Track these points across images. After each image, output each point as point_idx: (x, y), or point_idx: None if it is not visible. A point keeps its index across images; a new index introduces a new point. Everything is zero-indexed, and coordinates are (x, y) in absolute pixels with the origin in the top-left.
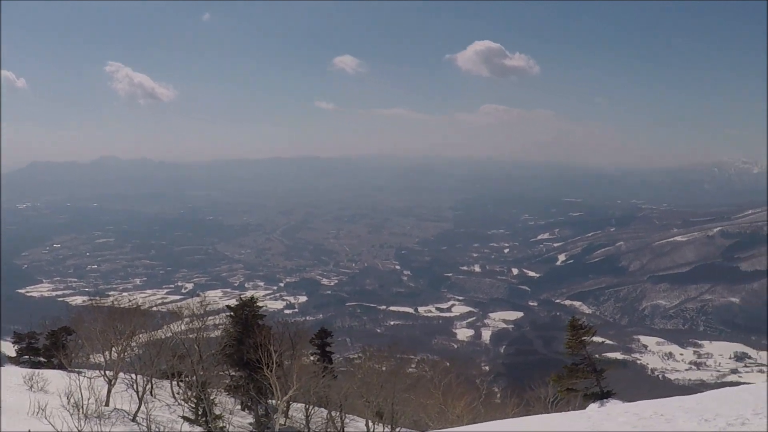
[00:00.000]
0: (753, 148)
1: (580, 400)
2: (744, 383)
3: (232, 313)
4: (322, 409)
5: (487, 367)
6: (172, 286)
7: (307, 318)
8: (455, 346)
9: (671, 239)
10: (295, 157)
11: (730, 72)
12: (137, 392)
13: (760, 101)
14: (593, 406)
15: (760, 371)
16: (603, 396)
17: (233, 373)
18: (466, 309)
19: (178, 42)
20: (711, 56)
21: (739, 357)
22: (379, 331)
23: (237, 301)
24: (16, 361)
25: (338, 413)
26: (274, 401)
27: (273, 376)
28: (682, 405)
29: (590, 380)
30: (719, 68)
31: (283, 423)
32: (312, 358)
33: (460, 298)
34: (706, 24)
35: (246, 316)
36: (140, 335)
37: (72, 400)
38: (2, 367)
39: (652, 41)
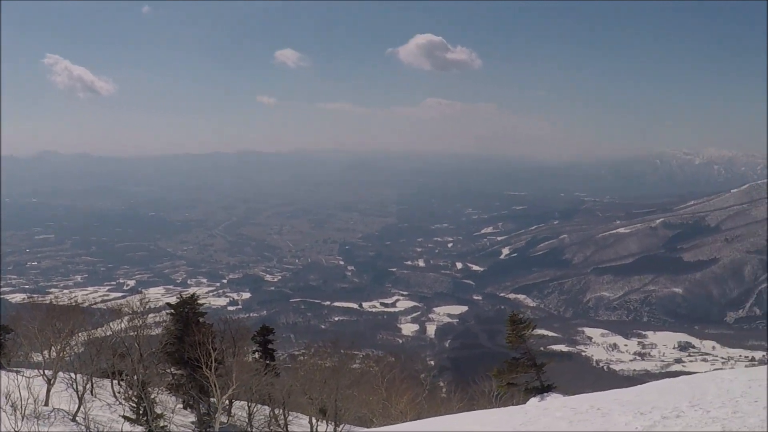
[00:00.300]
0: (695, 139)
1: (522, 394)
2: (688, 372)
3: (172, 311)
4: (266, 407)
5: (432, 362)
6: (114, 283)
7: (251, 315)
8: (400, 341)
9: (614, 231)
10: (237, 152)
11: (670, 64)
12: (77, 392)
13: (701, 93)
14: (534, 401)
15: (704, 360)
16: (543, 390)
17: (174, 372)
18: (411, 304)
19: (118, 35)
20: (652, 48)
21: (683, 346)
22: (323, 327)
23: (177, 298)
24: None
25: (281, 411)
26: (215, 400)
27: (212, 374)
28: (619, 398)
29: (531, 374)
30: (660, 61)
31: (225, 421)
32: (254, 355)
33: (405, 292)
34: (647, 15)
35: (186, 313)
36: (80, 333)
37: (9, 401)
38: None
39: (592, 33)
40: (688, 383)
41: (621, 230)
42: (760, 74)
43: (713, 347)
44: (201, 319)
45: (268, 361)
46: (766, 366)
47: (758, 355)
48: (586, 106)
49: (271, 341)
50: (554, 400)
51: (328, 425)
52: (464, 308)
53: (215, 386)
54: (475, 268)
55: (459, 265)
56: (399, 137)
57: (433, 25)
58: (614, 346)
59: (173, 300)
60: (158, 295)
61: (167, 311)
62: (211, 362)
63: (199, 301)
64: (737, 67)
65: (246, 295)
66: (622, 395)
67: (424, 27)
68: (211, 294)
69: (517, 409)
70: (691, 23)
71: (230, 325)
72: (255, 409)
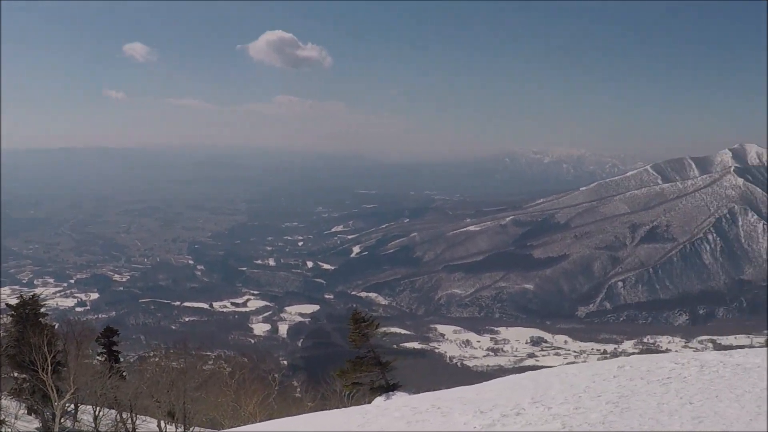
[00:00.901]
0: (544, 138)
1: (369, 393)
2: (541, 366)
3: (12, 312)
4: (113, 410)
5: (285, 362)
6: None
7: (100, 315)
8: (252, 341)
9: (465, 229)
10: (86, 147)
11: (521, 63)
12: None
13: (550, 93)
14: (379, 400)
15: (557, 354)
16: (389, 389)
17: (16, 376)
18: (262, 303)
19: None
20: (502, 47)
21: (536, 341)
22: (174, 327)
23: (18, 298)
24: None
25: (129, 414)
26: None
27: (49, 378)
28: (462, 396)
29: (376, 373)
30: (510, 59)
31: (70, 426)
32: (99, 358)
33: (256, 292)
34: (497, 13)
35: (27, 314)
36: None
37: None
38: None
39: (442, 32)
40: (533, 379)
41: (471, 228)
42: (606, 75)
43: (565, 341)
44: (42, 321)
45: (112, 364)
46: (613, 359)
47: (609, 348)
48: (436, 106)
49: (115, 343)
50: (399, 398)
51: (177, 428)
52: (316, 307)
53: (52, 390)
54: (326, 266)
55: (310, 264)
56: (251, 134)
57: (284, 21)
58: (467, 343)
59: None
60: (5, 296)
61: (8, 312)
62: (47, 365)
63: (41, 302)
64: (584, 68)
65: (94, 296)
66: (466, 393)
67: (274, 23)
68: (58, 294)
69: (357, 410)
70: (540, 21)
71: (74, 327)
72: (101, 414)
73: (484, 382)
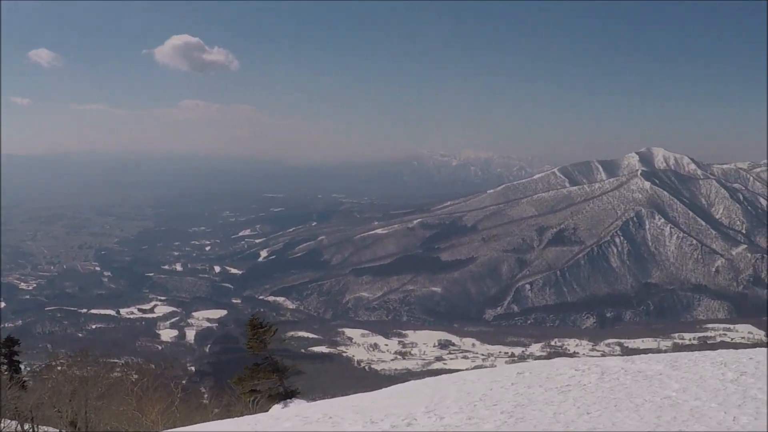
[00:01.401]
0: (452, 141)
1: (267, 401)
2: (449, 370)
3: None
4: (14, 422)
5: (192, 368)
6: None
7: (6, 325)
8: (160, 348)
9: (372, 232)
10: None
11: (428, 66)
12: None
13: (457, 95)
14: (276, 408)
15: (465, 357)
16: (287, 396)
17: None
18: (169, 309)
19: None
20: (409, 51)
21: (444, 344)
22: (81, 335)
23: None
24: None
25: (30, 425)
26: None
27: None
28: (357, 404)
29: (274, 380)
30: (418, 63)
31: None
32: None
33: (163, 298)
34: (402, 16)
35: None
36: None
37: None
38: None
39: (349, 35)
40: (430, 386)
41: (379, 231)
42: (513, 77)
43: (473, 344)
44: None
45: (13, 374)
46: (513, 365)
47: (517, 351)
48: (344, 108)
49: (17, 353)
50: (296, 406)
51: None
52: (223, 312)
53: None
54: (234, 271)
55: (217, 269)
56: (158, 139)
57: (190, 25)
58: (375, 346)
59: None
60: None
61: None
62: None
63: None
64: (490, 70)
65: (0, 305)
66: (362, 401)
67: (180, 28)
68: None
69: (249, 419)
70: (445, 22)
71: None
72: (2, 425)
73: (382, 389)
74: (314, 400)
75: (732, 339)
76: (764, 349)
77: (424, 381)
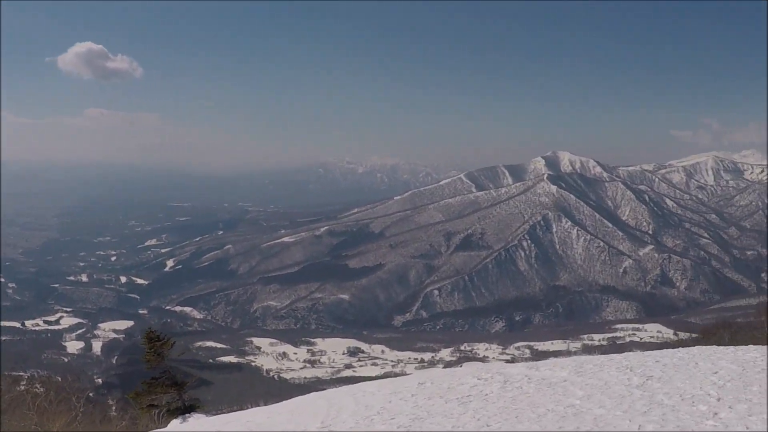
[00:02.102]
0: (358, 148)
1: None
2: (359, 377)
3: None
4: None
5: (100, 380)
6: None
7: None
8: (66, 360)
9: (279, 240)
10: None
11: (334, 74)
12: None
13: (363, 102)
14: (175, 423)
15: (374, 364)
16: (186, 410)
17: None
18: (76, 320)
19: None
20: (309, 56)
21: (353, 352)
22: None
23: None
24: None
25: None
26: None
27: None
28: (252, 420)
29: (173, 394)
30: (322, 70)
31: None
32: None
33: (69, 309)
34: (300, 24)
35: None
36: None
37: None
38: None
39: (251, 43)
40: (328, 399)
41: (286, 239)
42: (417, 82)
43: (382, 351)
44: None
45: None
46: (414, 375)
47: (427, 356)
48: (249, 116)
49: None
50: (195, 421)
51: None
52: (130, 323)
53: None
54: (140, 281)
55: (123, 279)
56: (62, 148)
57: (94, 32)
58: (284, 355)
59: None
60: None
61: None
62: None
63: None
64: (394, 76)
65: None
66: (257, 416)
67: (84, 35)
68: None
69: None
70: (346, 31)
71: None
72: None
73: (280, 403)
74: (218, 412)
75: (641, 339)
76: (672, 350)
77: (323, 393)
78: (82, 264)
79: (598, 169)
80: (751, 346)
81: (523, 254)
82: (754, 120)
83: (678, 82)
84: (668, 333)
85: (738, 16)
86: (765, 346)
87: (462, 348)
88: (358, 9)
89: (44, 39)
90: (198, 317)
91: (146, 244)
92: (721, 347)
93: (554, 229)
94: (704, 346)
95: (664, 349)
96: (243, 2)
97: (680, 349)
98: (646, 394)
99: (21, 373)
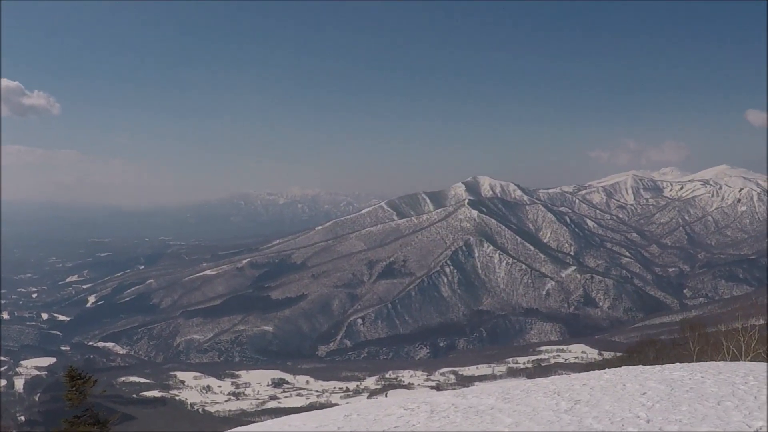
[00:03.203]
0: (278, 180)
1: None
2: (284, 409)
3: None
4: None
5: (23, 417)
6: None
7: None
8: None
9: (201, 273)
10: None
11: (246, 103)
12: None
13: (282, 133)
14: None
15: (299, 395)
16: None
17: None
18: None
19: None
20: (226, 87)
21: (277, 383)
22: None
23: None
24: None
25: None
26: None
27: None
28: None
29: None
30: (236, 100)
31: None
32: None
33: None
34: (216, 52)
35: None
36: None
37: None
38: None
39: (167, 75)
40: None
41: (208, 272)
42: (334, 112)
43: (307, 381)
44: None
45: None
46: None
47: (352, 385)
48: (167, 150)
49: None
50: None
51: None
52: (53, 360)
53: None
54: (62, 317)
55: (45, 316)
56: None
57: (8, 68)
58: (208, 388)
59: None
60: None
61: None
62: None
63: None
64: (314, 106)
65: None
66: None
67: None
68: None
69: None
70: (262, 58)
71: None
72: None
73: None
74: None
75: (566, 360)
76: (598, 372)
77: (247, 429)
78: (3, 301)
79: (519, 192)
80: (677, 364)
81: (446, 280)
82: (669, 138)
83: (593, 102)
84: (593, 353)
85: (651, 38)
86: (691, 363)
87: (387, 376)
88: (274, 37)
89: None
90: (121, 352)
91: (67, 280)
92: (648, 366)
93: (476, 254)
94: (631, 366)
95: (590, 371)
96: (158, 32)
97: (607, 370)
98: (575, 419)
99: None
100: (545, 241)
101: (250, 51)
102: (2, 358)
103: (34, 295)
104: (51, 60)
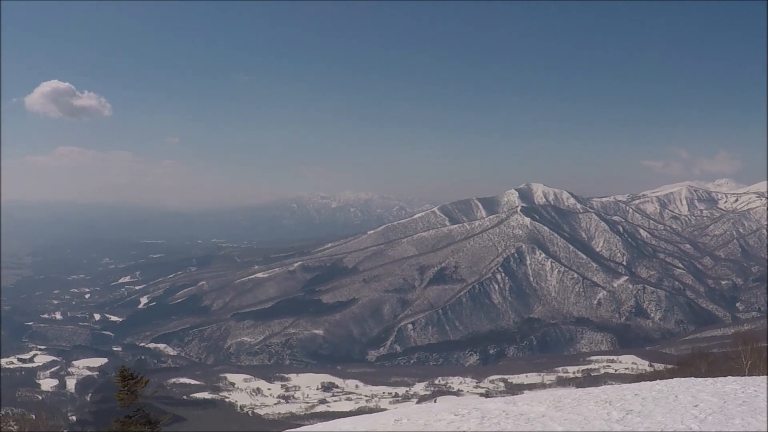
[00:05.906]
0: (331, 183)
1: None
2: (334, 412)
3: None
4: None
5: (74, 417)
6: None
7: None
8: (40, 398)
9: (253, 276)
10: None
11: (301, 110)
12: None
13: (334, 137)
14: None
15: (348, 399)
16: None
17: None
18: (50, 358)
19: None
20: (278, 93)
21: (327, 387)
22: None
23: None
24: None
25: None
26: None
27: None
28: None
29: None
30: (290, 107)
31: None
32: None
33: (43, 347)
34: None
35: None
36: None
37: None
38: None
39: (218, 83)
40: None
41: (260, 275)
42: (391, 118)
43: (356, 386)
44: None
45: None
46: (391, 411)
47: (401, 390)
48: (221, 153)
49: None
50: None
51: None
52: (104, 360)
53: None
54: (114, 318)
55: (97, 317)
56: (33, 187)
57: (59, 70)
58: (258, 391)
59: None
60: None
61: None
62: None
63: None
64: (369, 112)
65: None
66: None
67: (49, 73)
68: None
69: None
70: (313, 67)
71: None
72: None
73: None
74: None
75: (616, 370)
76: (649, 383)
77: (298, 431)
78: (56, 302)
79: (572, 200)
80: (730, 378)
81: (497, 287)
82: (722, 148)
83: (646, 111)
84: (643, 364)
85: (703, 49)
86: (744, 377)
87: (436, 382)
88: (328, 45)
89: (9, 81)
90: (172, 354)
91: (120, 281)
92: (700, 379)
93: (528, 262)
94: (683, 378)
95: (642, 382)
96: (210, 39)
97: (658, 381)
98: (627, 429)
99: None
100: (597, 250)
101: (303, 58)
102: (55, 358)
103: (87, 296)
104: (102, 62)
